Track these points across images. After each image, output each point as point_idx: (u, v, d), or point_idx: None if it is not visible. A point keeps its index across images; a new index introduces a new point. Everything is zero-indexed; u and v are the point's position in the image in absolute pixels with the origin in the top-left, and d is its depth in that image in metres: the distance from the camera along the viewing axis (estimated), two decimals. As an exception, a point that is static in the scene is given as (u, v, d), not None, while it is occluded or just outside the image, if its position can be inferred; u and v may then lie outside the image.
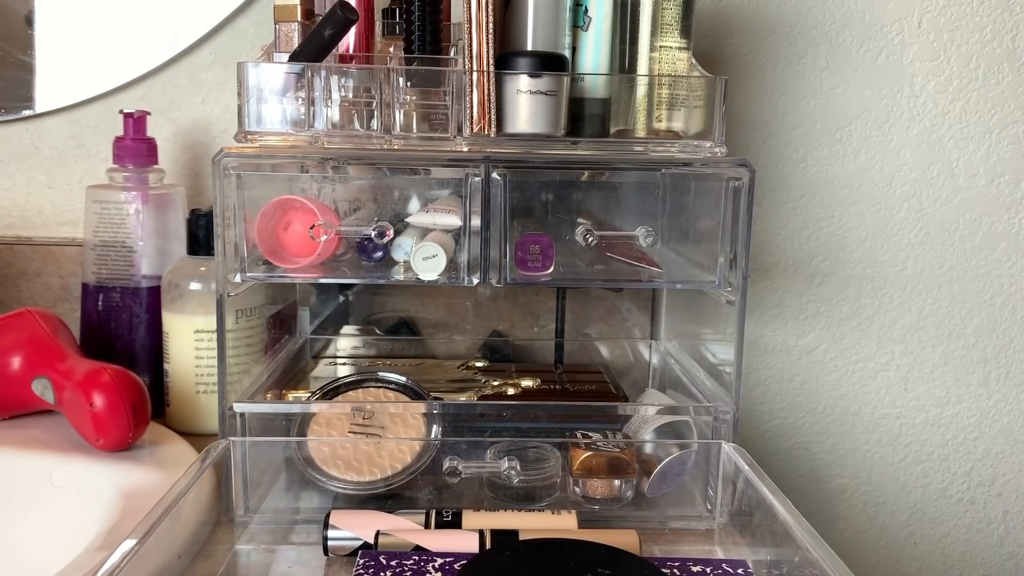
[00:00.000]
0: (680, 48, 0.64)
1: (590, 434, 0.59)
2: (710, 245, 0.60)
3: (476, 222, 0.58)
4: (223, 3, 0.82)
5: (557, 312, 0.84)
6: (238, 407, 0.58)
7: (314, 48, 0.58)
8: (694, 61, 0.65)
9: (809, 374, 0.91)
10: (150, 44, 0.83)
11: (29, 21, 0.82)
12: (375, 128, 0.60)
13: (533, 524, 0.53)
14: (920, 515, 0.95)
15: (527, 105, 0.58)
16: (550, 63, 0.59)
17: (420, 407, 0.60)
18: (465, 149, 0.59)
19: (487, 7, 0.57)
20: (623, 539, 0.51)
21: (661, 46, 0.64)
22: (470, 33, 0.57)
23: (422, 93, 0.59)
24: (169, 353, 0.71)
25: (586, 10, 0.62)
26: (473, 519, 0.53)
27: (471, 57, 0.58)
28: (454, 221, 0.58)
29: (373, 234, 0.58)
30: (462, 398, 0.69)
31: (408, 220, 0.60)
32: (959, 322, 0.92)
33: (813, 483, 0.94)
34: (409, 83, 0.59)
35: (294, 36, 0.61)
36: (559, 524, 0.53)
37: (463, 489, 0.58)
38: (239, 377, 0.64)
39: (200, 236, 0.71)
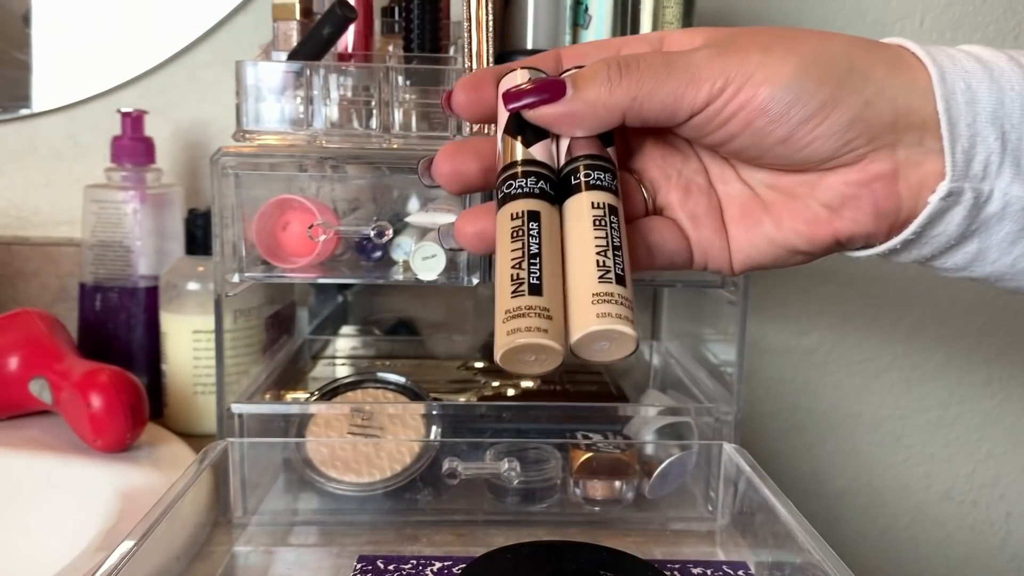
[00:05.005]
0: (681, 46, 0.64)
1: (590, 435, 0.59)
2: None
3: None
4: (222, 2, 0.82)
5: (557, 312, 0.83)
6: (236, 408, 0.58)
7: (313, 47, 0.58)
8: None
9: (811, 375, 0.91)
10: (148, 43, 0.83)
11: (26, 20, 0.82)
12: (374, 127, 0.59)
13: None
14: (922, 517, 0.95)
15: (527, 104, 0.58)
16: (550, 61, 0.58)
17: (419, 408, 0.60)
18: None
19: (487, 5, 0.56)
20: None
21: (662, 44, 0.63)
22: (469, 31, 0.57)
23: (421, 92, 0.59)
24: (167, 353, 0.70)
25: (587, 8, 0.62)
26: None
27: (471, 55, 0.57)
28: (454, 220, 0.58)
29: (372, 234, 0.57)
30: (462, 399, 0.68)
31: (407, 220, 0.59)
32: (962, 322, 0.91)
33: (815, 484, 0.93)
34: (408, 82, 0.59)
35: (293, 35, 0.61)
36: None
37: (463, 490, 0.58)
38: (237, 378, 0.63)
39: (198, 236, 0.70)
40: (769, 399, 0.91)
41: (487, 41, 0.57)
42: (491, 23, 0.57)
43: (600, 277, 0.28)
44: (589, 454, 0.57)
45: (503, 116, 0.34)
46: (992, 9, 0.87)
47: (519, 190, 0.31)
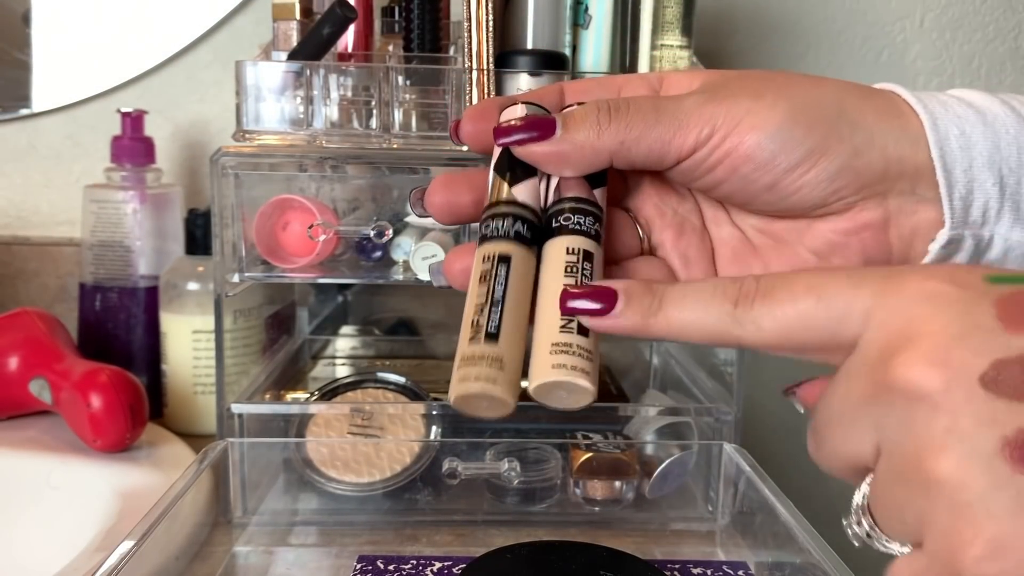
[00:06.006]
0: (681, 47, 0.64)
1: (590, 435, 0.59)
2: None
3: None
4: (221, 2, 0.82)
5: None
6: (236, 408, 0.58)
7: (312, 46, 0.58)
8: (695, 60, 0.64)
9: (812, 375, 0.90)
10: (148, 43, 0.83)
11: (26, 20, 0.82)
12: (374, 127, 0.59)
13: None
14: (922, 516, 0.95)
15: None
16: (550, 62, 0.58)
17: (419, 408, 0.60)
18: (464, 148, 0.58)
19: (487, 5, 0.56)
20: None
21: (662, 44, 0.63)
22: (469, 31, 0.57)
23: (421, 92, 0.59)
24: (167, 353, 0.70)
25: (587, 8, 0.62)
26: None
27: (471, 55, 0.57)
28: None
29: (372, 234, 0.57)
30: (462, 399, 0.68)
31: (407, 219, 0.60)
32: (961, 322, 0.91)
33: (815, 485, 0.93)
34: (408, 82, 0.59)
35: (292, 34, 0.61)
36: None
37: (462, 490, 0.58)
38: (237, 378, 0.63)
39: (198, 236, 0.70)
40: (769, 399, 0.90)
41: (487, 41, 0.57)
42: (491, 23, 0.57)
43: (562, 327, 0.29)
44: (589, 454, 0.57)
45: (496, 151, 0.34)
46: (992, 9, 0.87)
47: (494, 232, 0.31)
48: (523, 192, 0.33)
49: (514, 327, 0.29)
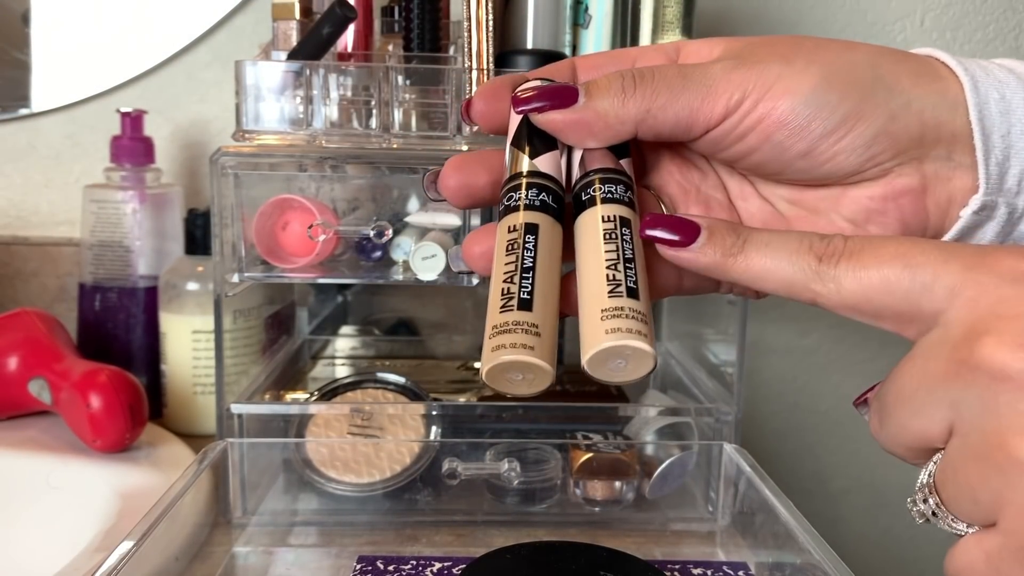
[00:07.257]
0: (681, 46, 0.64)
1: (590, 435, 0.59)
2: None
3: (475, 221, 0.57)
4: (221, 2, 0.82)
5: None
6: (236, 408, 0.58)
7: (312, 46, 0.58)
8: (695, 59, 0.64)
9: (812, 375, 0.90)
10: (148, 43, 0.83)
11: (26, 19, 0.82)
12: (374, 127, 0.59)
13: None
14: (922, 516, 0.95)
15: (527, 104, 0.58)
16: (550, 61, 0.58)
17: (419, 408, 0.60)
18: (465, 148, 0.58)
19: (487, 5, 0.56)
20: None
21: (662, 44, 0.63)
22: (469, 31, 0.57)
23: (421, 91, 0.59)
24: (166, 354, 0.70)
25: (587, 8, 0.62)
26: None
27: (470, 55, 0.57)
28: (453, 220, 0.58)
29: (372, 234, 0.57)
30: (461, 399, 0.68)
31: (407, 220, 0.59)
32: (961, 322, 0.91)
33: (816, 485, 0.93)
34: (408, 81, 0.59)
35: (292, 34, 0.61)
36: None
37: (462, 491, 0.58)
38: (237, 378, 0.63)
39: (198, 236, 0.70)
40: (769, 399, 0.91)
41: (487, 41, 0.57)
42: (491, 23, 0.57)
43: (610, 292, 0.27)
44: (589, 454, 0.57)
45: (513, 126, 0.33)
46: (992, 9, 0.87)
47: (519, 202, 0.30)
48: (545, 164, 0.31)
49: (547, 296, 0.27)
